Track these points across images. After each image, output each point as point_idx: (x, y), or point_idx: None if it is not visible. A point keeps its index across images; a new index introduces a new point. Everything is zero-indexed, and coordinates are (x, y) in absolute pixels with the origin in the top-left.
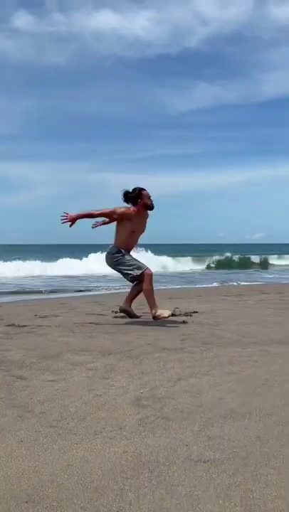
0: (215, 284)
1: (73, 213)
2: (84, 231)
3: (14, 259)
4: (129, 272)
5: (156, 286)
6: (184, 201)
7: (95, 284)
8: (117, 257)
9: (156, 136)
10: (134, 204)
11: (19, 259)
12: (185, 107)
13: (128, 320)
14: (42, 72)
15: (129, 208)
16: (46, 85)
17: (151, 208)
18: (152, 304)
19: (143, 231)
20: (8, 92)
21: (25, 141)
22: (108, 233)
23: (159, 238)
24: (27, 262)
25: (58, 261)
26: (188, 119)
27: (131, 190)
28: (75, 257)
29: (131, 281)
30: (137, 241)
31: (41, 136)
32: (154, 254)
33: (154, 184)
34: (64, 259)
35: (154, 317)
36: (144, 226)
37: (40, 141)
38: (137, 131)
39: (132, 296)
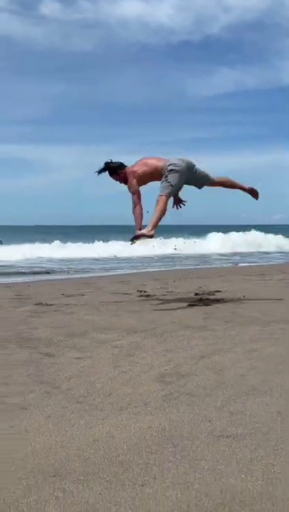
0: (240, 264)
1: (138, 231)
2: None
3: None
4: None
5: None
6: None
7: (120, 265)
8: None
9: (179, 121)
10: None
11: (43, 240)
12: (207, 92)
13: (152, 299)
14: (69, 59)
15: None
16: (73, 71)
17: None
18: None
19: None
20: (36, 78)
21: (52, 125)
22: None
23: (180, 220)
24: (54, 243)
25: (78, 243)
26: (210, 104)
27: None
28: (99, 239)
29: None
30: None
31: (68, 120)
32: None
33: None
34: (91, 243)
35: (140, 235)
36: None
37: (66, 125)
38: (160, 116)
39: None
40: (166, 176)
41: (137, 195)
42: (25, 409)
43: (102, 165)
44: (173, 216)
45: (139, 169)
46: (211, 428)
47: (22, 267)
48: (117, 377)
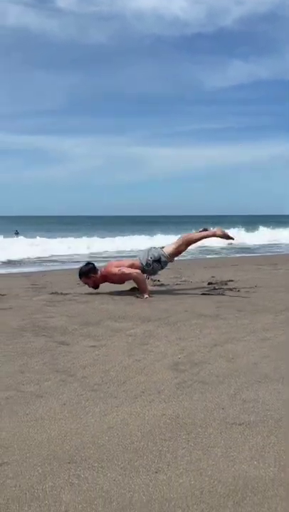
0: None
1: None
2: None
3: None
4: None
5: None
6: (218, 174)
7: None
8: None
9: (193, 112)
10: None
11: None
12: (220, 83)
13: (165, 288)
14: (84, 51)
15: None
16: (88, 63)
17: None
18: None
19: None
20: (52, 70)
21: (68, 115)
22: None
23: (191, 210)
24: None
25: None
26: (223, 95)
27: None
28: (111, 230)
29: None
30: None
31: (81, 111)
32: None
33: (189, 157)
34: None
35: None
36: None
37: (82, 115)
38: (174, 107)
39: None
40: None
41: (126, 268)
42: (40, 397)
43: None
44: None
45: (114, 263)
46: (224, 415)
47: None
48: (131, 365)
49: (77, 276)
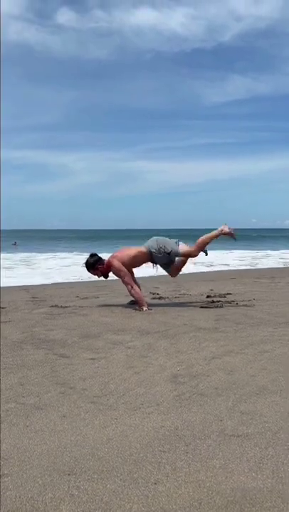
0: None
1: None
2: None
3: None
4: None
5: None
6: (218, 188)
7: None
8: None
9: (192, 126)
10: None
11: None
12: (219, 98)
13: (164, 301)
14: (84, 66)
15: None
16: (88, 78)
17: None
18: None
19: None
20: (52, 84)
21: (66, 131)
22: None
23: (193, 223)
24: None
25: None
26: (222, 110)
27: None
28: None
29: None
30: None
31: (81, 126)
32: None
33: (188, 172)
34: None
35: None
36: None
37: (80, 131)
38: (173, 122)
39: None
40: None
41: (127, 276)
42: (40, 409)
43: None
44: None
45: (118, 254)
46: (222, 427)
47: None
48: (131, 377)
49: (86, 269)
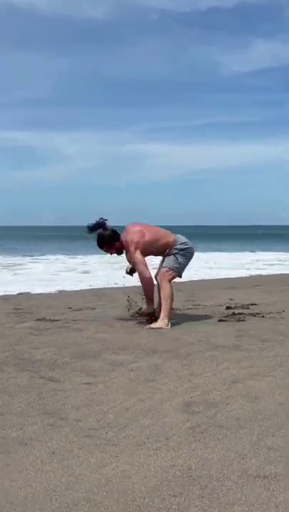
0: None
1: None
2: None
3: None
4: None
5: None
6: (237, 177)
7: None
8: None
9: (207, 102)
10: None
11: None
12: (240, 67)
13: (175, 313)
14: (76, 28)
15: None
16: (81, 43)
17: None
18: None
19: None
20: (38, 52)
21: (57, 106)
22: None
23: (208, 219)
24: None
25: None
26: (243, 81)
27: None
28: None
29: None
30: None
31: (75, 101)
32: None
33: (200, 157)
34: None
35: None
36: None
37: (73, 106)
38: (184, 96)
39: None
40: (177, 253)
41: (143, 264)
42: (24, 445)
43: (94, 222)
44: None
45: (140, 239)
46: (245, 466)
47: None
48: (134, 406)
49: (97, 245)
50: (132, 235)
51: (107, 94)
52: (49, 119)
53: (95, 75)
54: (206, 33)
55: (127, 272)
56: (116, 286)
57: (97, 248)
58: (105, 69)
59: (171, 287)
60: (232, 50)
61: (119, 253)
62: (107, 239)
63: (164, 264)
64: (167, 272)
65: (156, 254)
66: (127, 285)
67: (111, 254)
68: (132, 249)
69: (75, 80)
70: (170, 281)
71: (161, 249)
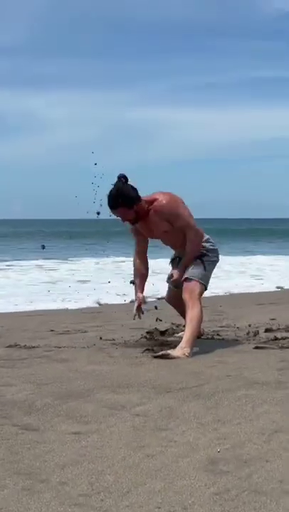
0: None
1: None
2: None
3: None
4: None
5: None
6: (281, 151)
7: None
8: None
9: (243, 50)
10: None
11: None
12: (285, 3)
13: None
14: None
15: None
16: None
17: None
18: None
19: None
20: None
21: (35, 57)
22: None
23: (249, 211)
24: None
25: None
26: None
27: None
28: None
29: None
30: (165, 245)
31: (60, 49)
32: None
33: (237, 125)
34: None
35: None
36: (155, 230)
37: (58, 57)
38: (213, 41)
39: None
40: (206, 256)
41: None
42: None
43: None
44: None
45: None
46: None
47: None
48: (140, 463)
49: (108, 204)
50: (175, 198)
51: (105, 41)
52: (24, 73)
53: (88, 14)
54: None
55: (132, 282)
56: (116, 302)
57: (108, 211)
58: (102, 6)
59: (201, 308)
60: None
61: (135, 222)
62: (128, 194)
63: (192, 274)
64: (196, 285)
65: (175, 246)
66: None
67: (125, 220)
68: (183, 210)
69: (60, 21)
70: (200, 298)
71: (184, 241)
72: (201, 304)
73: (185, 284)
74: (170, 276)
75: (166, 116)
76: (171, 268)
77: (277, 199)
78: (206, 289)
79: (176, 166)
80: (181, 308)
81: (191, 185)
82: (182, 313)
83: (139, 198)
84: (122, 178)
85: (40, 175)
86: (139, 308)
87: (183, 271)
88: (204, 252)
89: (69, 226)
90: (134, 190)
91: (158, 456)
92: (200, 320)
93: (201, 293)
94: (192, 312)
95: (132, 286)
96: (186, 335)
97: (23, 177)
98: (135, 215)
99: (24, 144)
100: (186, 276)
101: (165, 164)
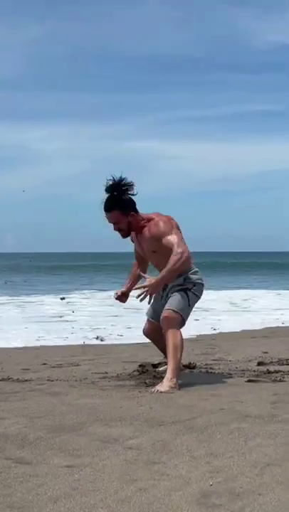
0: None
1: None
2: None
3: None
4: None
5: None
6: (272, 184)
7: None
8: None
9: (233, 83)
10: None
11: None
12: (279, 36)
13: (189, 371)
14: None
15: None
16: (62, 5)
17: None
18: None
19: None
20: (5, 14)
21: (28, 91)
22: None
23: (242, 243)
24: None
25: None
26: (282, 56)
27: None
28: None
29: None
30: (153, 266)
31: (53, 83)
32: None
33: (230, 157)
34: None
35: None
36: (144, 248)
37: (53, 90)
38: (203, 76)
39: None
40: (191, 289)
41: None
42: None
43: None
44: None
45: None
46: None
47: None
48: (133, 497)
49: (104, 206)
50: (170, 220)
51: (98, 75)
52: (18, 107)
53: (81, 48)
54: None
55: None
56: (110, 339)
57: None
58: (96, 40)
59: (182, 336)
60: (267, 15)
61: (126, 234)
62: (124, 199)
63: (176, 307)
64: (178, 318)
65: (160, 270)
66: (127, 340)
67: (117, 228)
68: (175, 232)
69: (53, 55)
70: (180, 332)
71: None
72: (181, 333)
73: (166, 313)
74: (149, 309)
75: (160, 149)
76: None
77: (272, 231)
78: (184, 325)
79: (170, 197)
80: (160, 343)
81: (189, 215)
82: (162, 349)
83: (136, 209)
84: (124, 186)
85: (34, 207)
86: (120, 297)
87: (160, 280)
88: (191, 284)
89: (61, 260)
90: (133, 202)
91: (150, 489)
92: (182, 348)
93: (181, 326)
94: (173, 340)
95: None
96: (171, 366)
97: (16, 209)
98: (128, 225)
99: (16, 176)
100: (169, 307)
101: (160, 196)
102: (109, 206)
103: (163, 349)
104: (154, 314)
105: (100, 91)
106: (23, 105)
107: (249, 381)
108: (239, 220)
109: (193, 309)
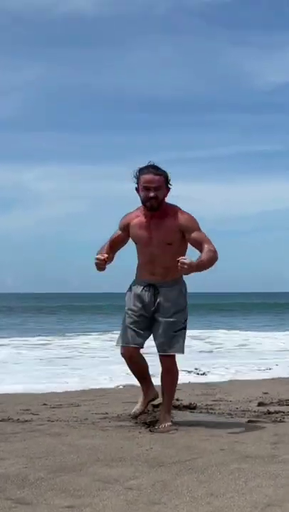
0: None
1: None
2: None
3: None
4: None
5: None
6: (272, 225)
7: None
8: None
9: (235, 124)
10: None
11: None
12: (280, 77)
13: (189, 412)
14: (55, 25)
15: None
16: (61, 45)
17: (146, 206)
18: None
19: (151, 242)
20: (4, 55)
21: (25, 131)
22: None
23: (238, 285)
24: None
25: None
26: (284, 96)
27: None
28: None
29: None
30: (150, 261)
31: (52, 123)
32: None
33: (228, 198)
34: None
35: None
36: (159, 236)
37: (50, 131)
38: (203, 117)
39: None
40: (186, 325)
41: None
42: None
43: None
44: None
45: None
46: None
47: None
48: None
49: (151, 166)
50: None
51: (97, 115)
52: (14, 147)
53: (79, 88)
54: (233, 32)
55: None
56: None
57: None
58: (94, 81)
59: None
60: (269, 55)
61: (158, 206)
62: (165, 172)
63: (178, 350)
64: (176, 359)
65: (159, 267)
66: (126, 381)
67: (155, 195)
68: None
69: (50, 95)
70: (177, 370)
71: (171, 267)
72: (177, 372)
73: (171, 360)
74: (129, 333)
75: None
76: (132, 300)
77: (258, 269)
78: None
79: None
80: (138, 365)
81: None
82: (138, 371)
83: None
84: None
85: (30, 248)
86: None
87: (195, 266)
88: (185, 318)
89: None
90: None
91: None
92: (174, 387)
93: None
94: (172, 377)
95: None
96: (168, 403)
97: (12, 250)
98: (162, 199)
99: (12, 217)
100: (172, 352)
101: None
102: (160, 170)
103: (141, 372)
104: (139, 338)
105: (96, 131)
106: (22, 146)
107: (249, 422)
108: (239, 260)
109: None
